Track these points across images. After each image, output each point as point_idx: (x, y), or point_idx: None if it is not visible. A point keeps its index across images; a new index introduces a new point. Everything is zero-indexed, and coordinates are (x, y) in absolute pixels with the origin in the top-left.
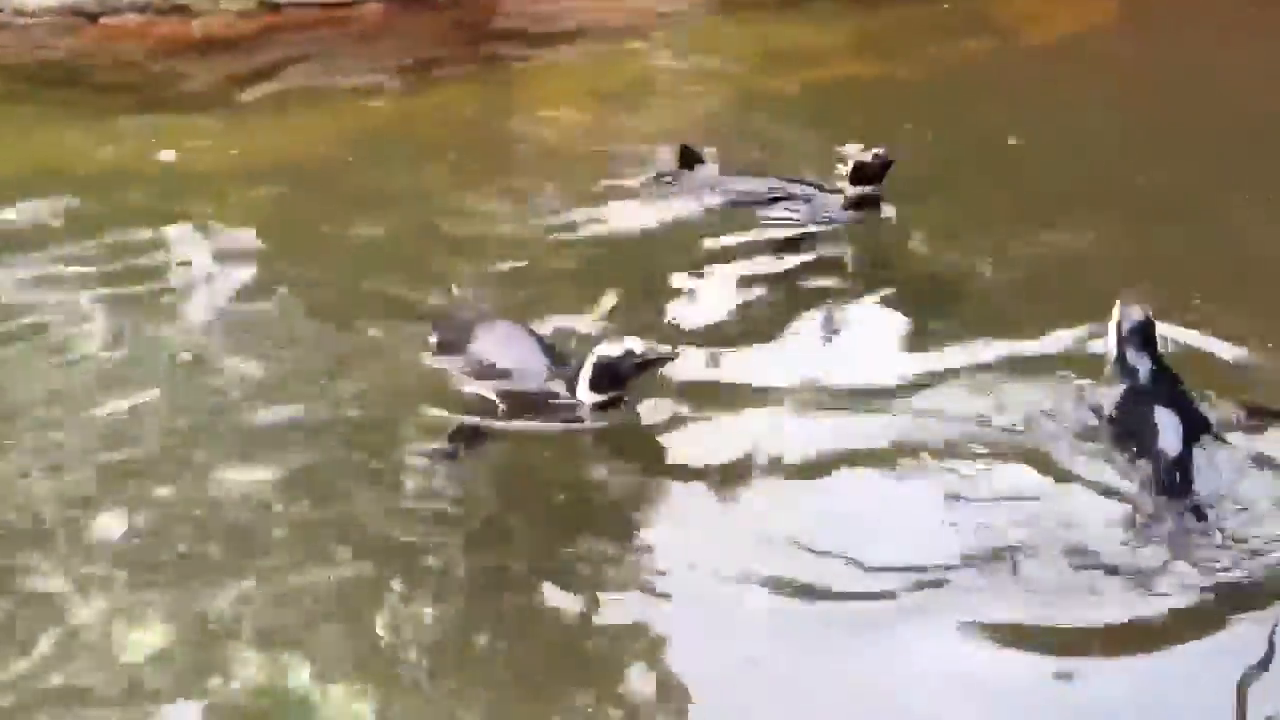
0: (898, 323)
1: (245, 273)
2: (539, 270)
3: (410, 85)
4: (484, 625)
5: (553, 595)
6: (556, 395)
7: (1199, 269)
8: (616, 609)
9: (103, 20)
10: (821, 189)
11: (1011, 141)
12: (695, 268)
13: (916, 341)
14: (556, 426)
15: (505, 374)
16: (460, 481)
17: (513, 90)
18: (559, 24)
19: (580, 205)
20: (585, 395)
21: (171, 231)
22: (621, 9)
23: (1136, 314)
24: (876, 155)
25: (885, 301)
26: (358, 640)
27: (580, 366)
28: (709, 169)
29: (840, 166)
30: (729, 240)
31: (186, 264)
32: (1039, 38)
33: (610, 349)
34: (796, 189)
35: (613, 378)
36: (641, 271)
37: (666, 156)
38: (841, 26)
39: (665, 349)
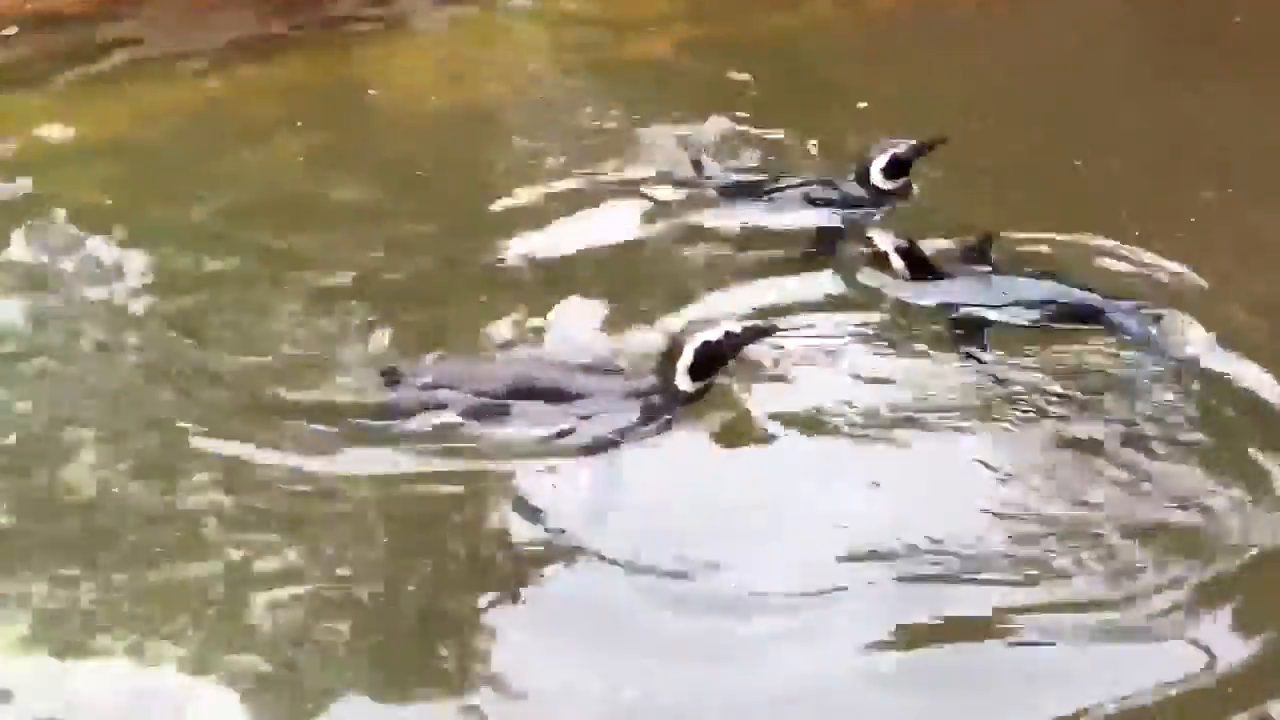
0: None
1: (83, 257)
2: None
3: (249, 58)
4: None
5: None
6: (645, 391)
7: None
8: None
9: None
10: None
11: (861, 105)
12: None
13: None
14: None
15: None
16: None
17: (356, 61)
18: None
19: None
20: (685, 384)
21: None
22: None
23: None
24: (911, 146)
25: None
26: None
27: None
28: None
29: (867, 162)
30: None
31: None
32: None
33: (708, 333)
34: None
35: (713, 361)
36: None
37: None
38: None
39: (762, 323)
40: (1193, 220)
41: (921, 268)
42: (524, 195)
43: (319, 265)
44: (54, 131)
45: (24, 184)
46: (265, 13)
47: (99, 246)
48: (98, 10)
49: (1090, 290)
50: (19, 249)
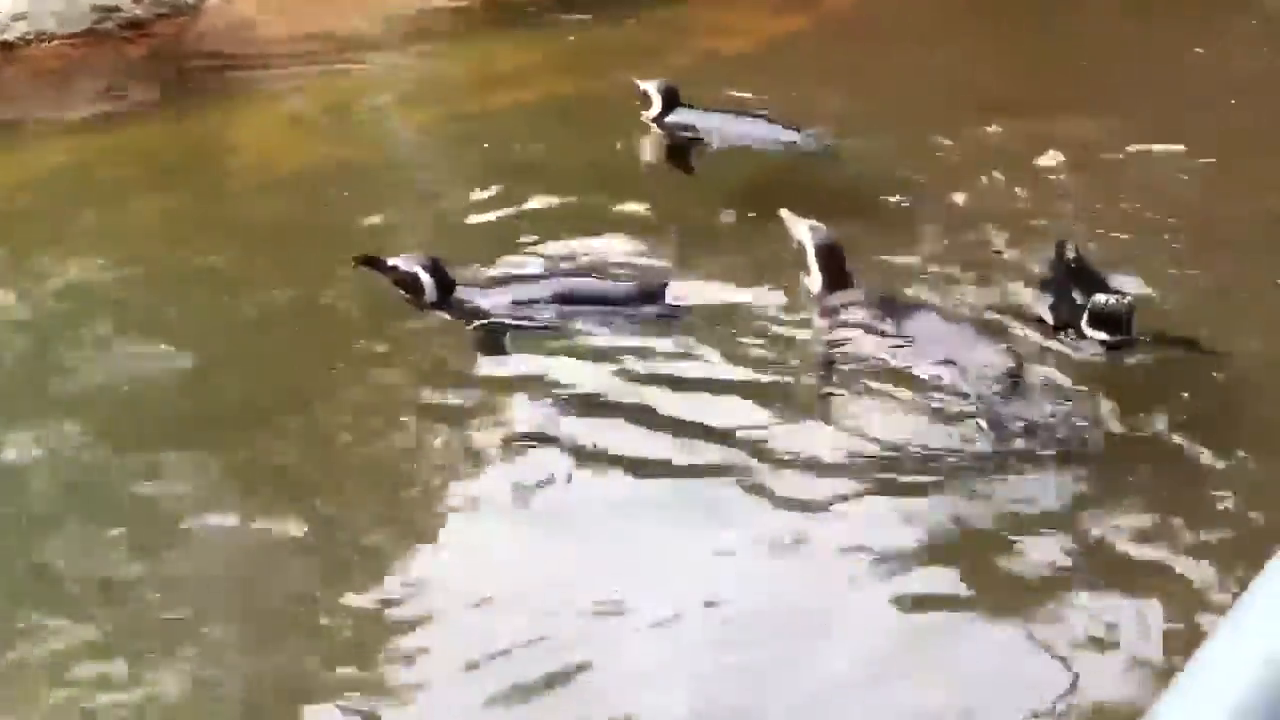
0: None
1: None
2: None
3: (102, 122)
4: None
5: None
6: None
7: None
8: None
9: None
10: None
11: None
12: None
13: None
14: None
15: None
16: None
17: (211, 121)
18: (259, 52)
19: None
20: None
21: None
22: (323, 39)
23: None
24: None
25: None
26: None
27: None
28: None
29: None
30: None
31: None
32: (739, 47)
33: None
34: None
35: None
36: None
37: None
38: (541, 47)
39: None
40: None
41: (838, 278)
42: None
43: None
44: None
45: None
46: (120, 76)
47: None
48: None
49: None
50: None
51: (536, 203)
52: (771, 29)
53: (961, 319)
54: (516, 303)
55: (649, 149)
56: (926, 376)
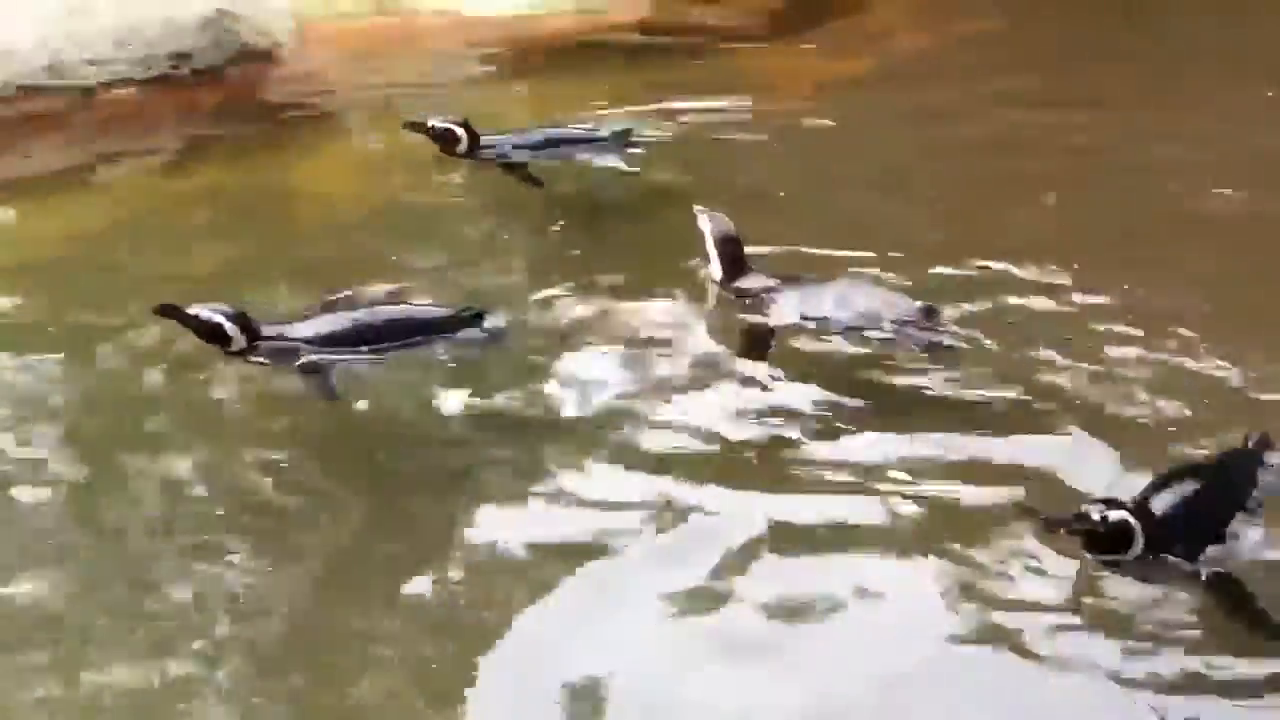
0: None
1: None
2: None
3: (173, 167)
4: None
5: None
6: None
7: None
8: None
9: None
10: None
11: (782, 194)
12: None
13: None
14: None
15: None
16: None
17: (280, 166)
18: (330, 98)
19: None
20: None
21: None
22: (392, 85)
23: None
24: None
25: None
26: None
27: None
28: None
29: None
30: None
31: None
32: (793, 92)
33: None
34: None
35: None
36: None
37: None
38: (605, 90)
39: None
40: None
41: (738, 265)
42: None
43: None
44: None
45: None
46: (191, 122)
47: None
48: (14, 122)
49: None
50: None
51: None
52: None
53: (864, 282)
54: (326, 338)
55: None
56: (846, 329)
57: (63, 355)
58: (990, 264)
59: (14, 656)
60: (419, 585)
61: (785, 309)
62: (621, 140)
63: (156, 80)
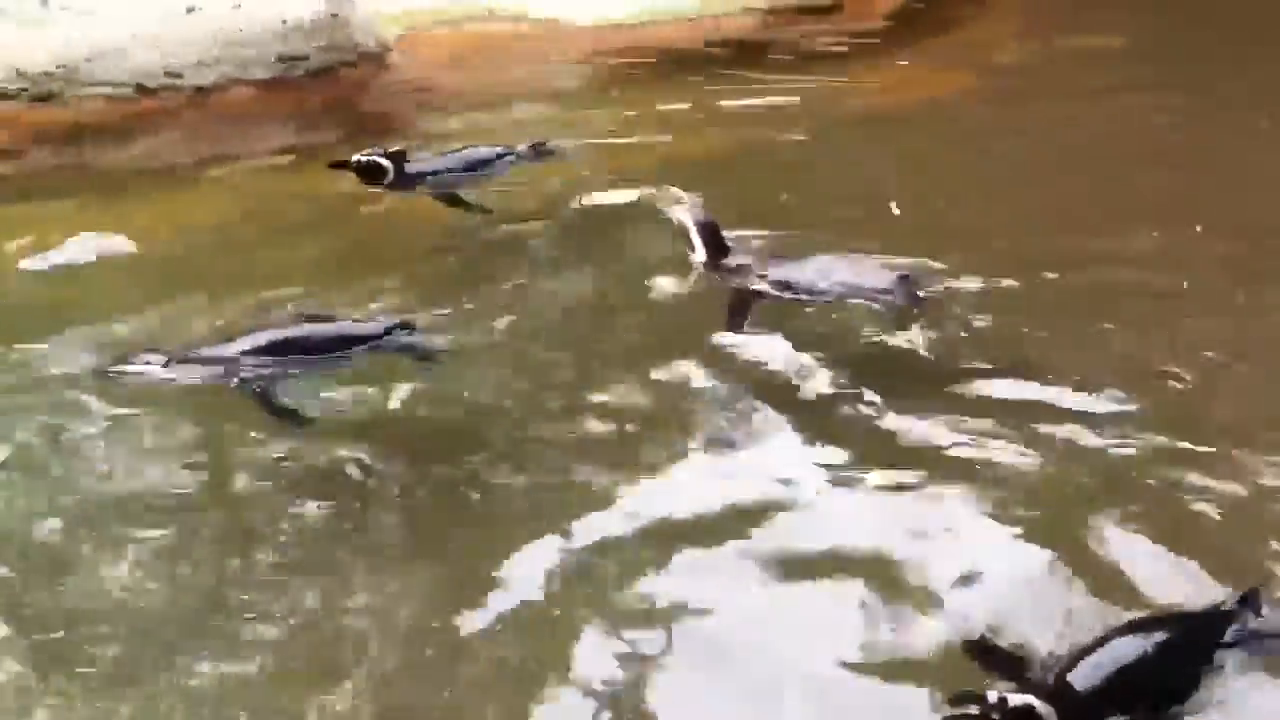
0: None
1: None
2: None
3: (281, 166)
4: None
5: None
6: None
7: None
8: None
9: None
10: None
11: (895, 211)
12: None
13: None
14: None
15: None
16: None
17: None
18: (436, 100)
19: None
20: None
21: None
22: (498, 89)
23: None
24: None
25: None
26: None
27: None
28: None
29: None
30: None
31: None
32: (897, 105)
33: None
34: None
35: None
36: None
37: None
38: (704, 103)
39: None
40: None
41: (720, 247)
42: None
43: None
44: (87, 238)
45: (61, 290)
46: (302, 123)
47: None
48: (132, 120)
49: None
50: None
51: None
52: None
53: (845, 256)
54: (247, 353)
55: None
56: (831, 299)
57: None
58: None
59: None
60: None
61: (768, 282)
62: (538, 151)
63: (268, 82)
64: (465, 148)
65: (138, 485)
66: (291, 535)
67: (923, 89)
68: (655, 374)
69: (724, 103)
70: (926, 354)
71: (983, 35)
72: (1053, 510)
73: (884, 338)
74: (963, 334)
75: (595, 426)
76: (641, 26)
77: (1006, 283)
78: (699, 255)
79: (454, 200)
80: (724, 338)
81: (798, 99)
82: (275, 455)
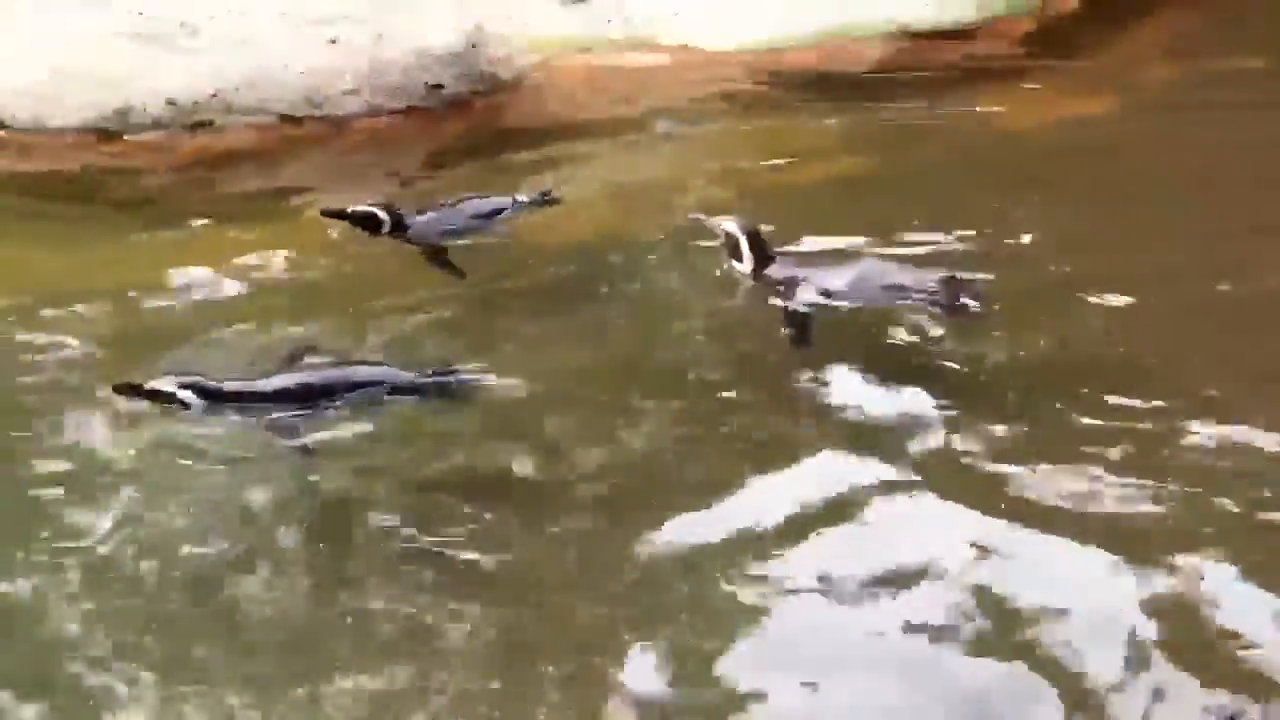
0: None
1: None
2: None
3: (412, 191)
4: None
5: None
6: None
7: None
8: None
9: (126, 137)
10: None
11: (1025, 240)
12: None
13: None
14: None
15: None
16: None
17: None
18: (571, 127)
19: None
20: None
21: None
22: (632, 109)
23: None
24: None
25: None
26: None
27: None
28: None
29: None
30: None
31: None
32: (1032, 129)
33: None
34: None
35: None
36: None
37: None
38: (840, 128)
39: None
40: None
41: (765, 257)
42: None
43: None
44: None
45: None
46: (442, 149)
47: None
48: (279, 149)
49: None
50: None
51: None
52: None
53: (885, 261)
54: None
55: None
56: (879, 302)
57: None
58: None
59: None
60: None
61: (814, 289)
62: (541, 201)
63: (407, 110)
64: (467, 199)
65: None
66: None
67: (1061, 111)
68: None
69: (858, 127)
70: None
71: (1121, 58)
72: (1156, 545)
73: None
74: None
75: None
76: (777, 52)
77: (1142, 299)
78: (746, 265)
79: (437, 256)
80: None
81: (933, 122)
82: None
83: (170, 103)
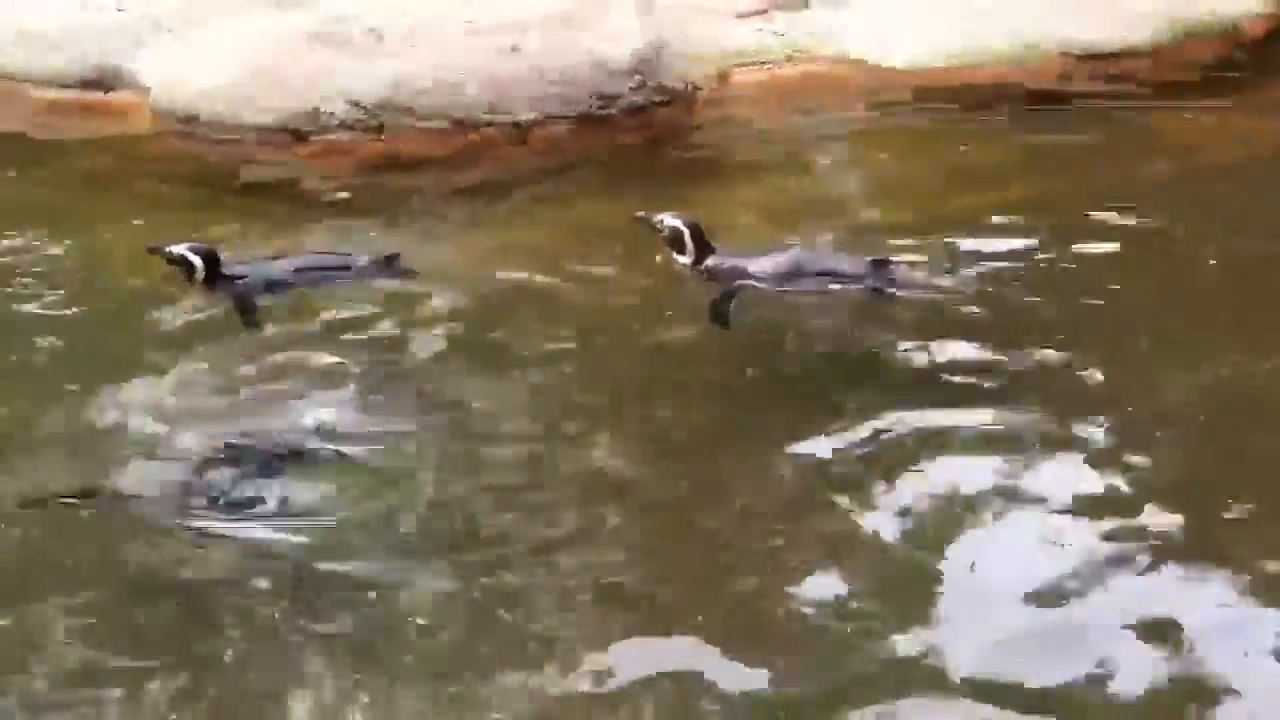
0: None
1: None
2: None
3: (588, 198)
4: None
5: None
6: None
7: None
8: None
9: (312, 138)
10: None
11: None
12: None
13: None
14: None
15: None
16: None
17: (684, 205)
18: (741, 142)
19: None
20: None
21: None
22: (806, 123)
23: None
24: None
25: None
26: None
27: None
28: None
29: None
30: None
31: None
32: (1216, 158)
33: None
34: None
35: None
36: None
37: None
38: (1009, 147)
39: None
40: None
41: (705, 248)
42: None
43: None
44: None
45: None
46: (616, 161)
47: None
48: (456, 154)
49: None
50: None
51: None
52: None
53: (813, 248)
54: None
55: None
56: (810, 287)
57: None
58: None
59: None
60: None
61: (750, 275)
62: (388, 267)
63: (584, 118)
64: (301, 254)
65: None
66: None
67: (1239, 140)
68: None
69: (1027, 148)
70: None
71: None
72: None
73: None
74: None
75: None
76: (955, 69)
77: None
78: (688, 257)
79: (245, 310)
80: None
81: (1103, 145)
82: None
83: (354, 104)
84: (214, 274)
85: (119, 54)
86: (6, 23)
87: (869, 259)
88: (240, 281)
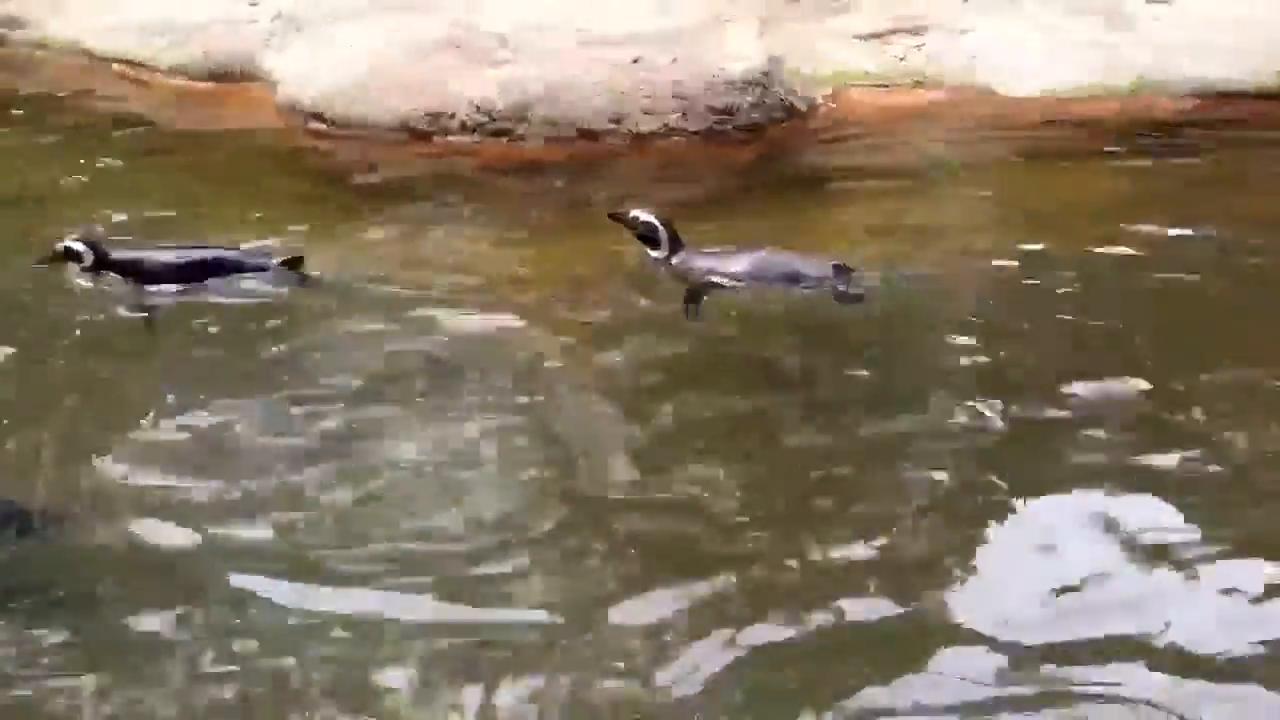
0: None
1: None
2: None
3: (709, 215)
4: None
5: None
6: None
7: None
8: None
9: (434, 139)
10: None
11: None
12: None
13: None
14: None
15: None
16: None
17: (792, 222)
18: (853, 162)
19: None
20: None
21: None
22: (919, 146)
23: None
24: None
25: None
26: None
27: None
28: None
29: None
30: None
31: None
32: None
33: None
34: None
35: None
36: None
37: None
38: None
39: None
40: None
41: (676, 244)
42: None
43: None
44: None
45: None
46: (730, 177)
47: None
48: (573, 160)
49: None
50: None
51: None
52: None
53: (780, 251)
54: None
55: None
56: (777, 286)
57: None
58: None
59: None
60: None
61: (719, 273)
62: (290, 273)
63: (700, 133)
64: (197, 246)
65: None
66: None
67: None
68: None
69: (1156, 180)
70: None
71: None
72: None
73: None
74: None
75: None
76: (1075, 100)
77: None
78: (662, 251)
79: (144, 312)
80: None
81: (1233, 178)
82: None
83: (477, 108)
84: (103, 263)
85: (249, 49)
86: (142, 12)
87: (833, 263)
88: (132, 268)
